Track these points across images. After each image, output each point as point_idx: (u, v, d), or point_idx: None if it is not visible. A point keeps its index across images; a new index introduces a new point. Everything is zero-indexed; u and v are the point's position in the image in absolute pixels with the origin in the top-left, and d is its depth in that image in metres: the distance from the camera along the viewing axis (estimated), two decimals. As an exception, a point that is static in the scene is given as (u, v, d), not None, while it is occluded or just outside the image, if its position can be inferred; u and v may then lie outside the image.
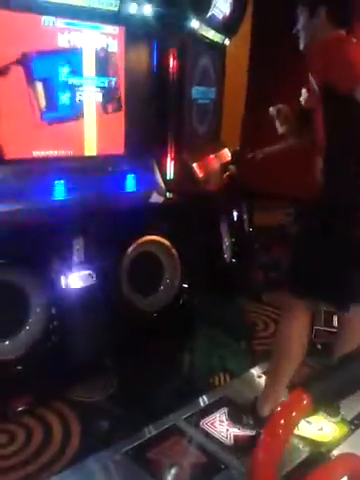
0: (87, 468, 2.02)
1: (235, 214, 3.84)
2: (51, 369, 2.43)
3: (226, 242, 3.50)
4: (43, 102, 2.52)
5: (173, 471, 1.99)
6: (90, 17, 2.59)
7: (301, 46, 2.04)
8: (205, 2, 3.21)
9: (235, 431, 2.24)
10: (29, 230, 2.33)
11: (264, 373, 2.60)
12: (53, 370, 2.43)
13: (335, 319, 3.06)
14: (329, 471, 1.29)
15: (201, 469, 2.01)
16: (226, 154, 4.04)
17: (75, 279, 2.58)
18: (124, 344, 2.66)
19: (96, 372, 2.64)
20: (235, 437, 2.20)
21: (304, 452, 2.11)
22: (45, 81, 2.50)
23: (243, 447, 2.14)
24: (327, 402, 1.55)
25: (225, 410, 2.36)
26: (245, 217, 4.09)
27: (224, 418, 2.32)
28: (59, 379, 2.47)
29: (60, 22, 2.50)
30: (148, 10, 2.75)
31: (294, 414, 1.13)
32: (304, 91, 2.29)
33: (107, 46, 2.72)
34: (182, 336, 2.88)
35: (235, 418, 2.30)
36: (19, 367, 2.38)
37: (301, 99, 2.35)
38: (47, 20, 2.45)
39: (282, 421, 1.12)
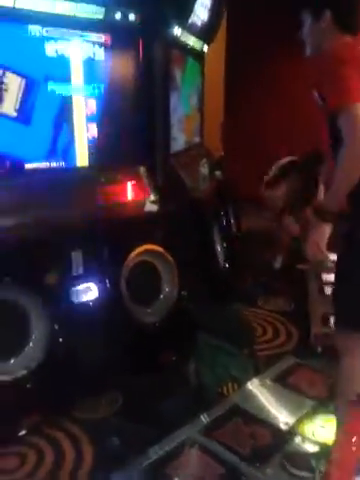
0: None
1: (224, 219, 3.82)
2: (56, 386, 2.35)
3: (219, 248, 3.48)
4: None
5: (194, 486, 1.94)
6: (76, 26, 2.54)
7: (307, 52, 1.97)
8: (186, 9, 3.21)
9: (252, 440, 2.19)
10: (26, 245, 2.27)
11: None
12: (58, 387, 2.35)
13: (332, 320, 3.06)
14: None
15: (222, 481, 1.96)
16: None
17: (75, 293, 2.52)
18: (128, 357, 2.60)
19: (101, 387, 2.56)
20: (252, 446, 2.16)
21: (325, 457, 2.07)
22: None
23: (261, 456, 2.10)
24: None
25: (239, 419, 2.32)
26: (233, 222, 4.08)
27: (238, 427, 2.28)
28: (65, 396, 2.40)
29: (46, 31, 2.44)
30: (133, 18, 2.73)
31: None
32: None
33: (94, 54, 2.67)
34: (184, 345, 2.82)
35: (301, 465, 2.03)
36: (24, 386, 2.29)
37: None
38: (33, 30, 2.39)
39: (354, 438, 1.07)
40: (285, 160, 3.32)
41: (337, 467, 1.25)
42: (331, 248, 2.02)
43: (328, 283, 3.59)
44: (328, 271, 3.52)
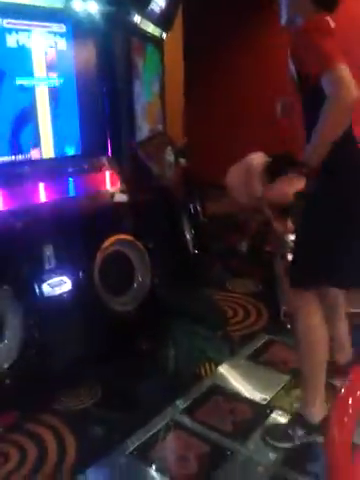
0: (95, 475, 1.98)
1: (191, 206, 3.86)
2: (34, 381, 2.35)
3: (187, 234, 3.53)
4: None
5: (181, 464, 2.00)
6: (36, 16, 2.51)
7: (282, 21, 2.02)
8: (145, -4, 3.20)
9: (232, 417, 2.28)
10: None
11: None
12: (36, 382, 2.35)
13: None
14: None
15: (208, 458, 2.03)
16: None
17: (49, 286, 2.50)
18: (104, 346, 2.62)
19: (79, 379, 2.58)
20: (233, 422, 2.24)
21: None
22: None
23: (243, 431, 2.18)
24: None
25: (218, 398, 2.40)
26: (199, 208, 4.13)
27: (218, 405, 2.36)
28: (43, 390, 2.40)
29: (7, 22, 2.39)
30: (93, 7, 2.71)
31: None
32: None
33: (55, 44, 2.64)
34: (160, 332, 2.87)
35: (280, 436, 2.11)
36: (2, 383, 2.28)
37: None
38: (-7, 20, 2.34)
39: (350, 399, 1.14)
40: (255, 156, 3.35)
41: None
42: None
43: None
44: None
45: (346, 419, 1.12)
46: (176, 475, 1.95)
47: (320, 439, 1.96)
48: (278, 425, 2.22)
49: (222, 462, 2.00)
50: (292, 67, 1.88)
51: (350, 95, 1.65)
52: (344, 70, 1.67)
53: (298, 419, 2.08)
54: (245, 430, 2.18)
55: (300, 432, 2.05)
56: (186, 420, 2.27)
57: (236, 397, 2.41)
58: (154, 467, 2.00)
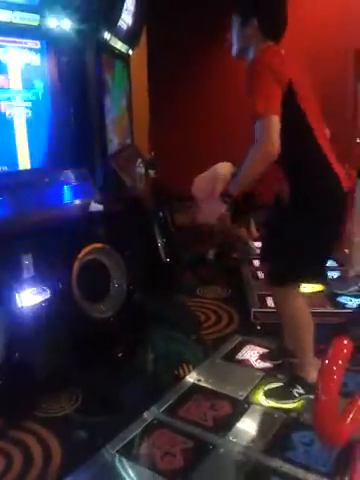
0: (82, 476, 2.02)
1: (161, 216, 3.98)
2: (16, 389, 2.39)
3: (159, 243, 3.63)
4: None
5: (167, 460, 2.07)
6: (13, 33, 2.58)
7: (233, 52, 2.20)
8: (115, 14, 3.32)
9: (213, 413, 2.38)
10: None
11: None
12: (18, 390, 2.40)
13: (269, 300, 3.36)
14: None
15: (192, 453, 2.11)
16: None
17: (28, 295, 2.54)
18: (84, 353, 2.67)
19: (59, 385, 2.62)
20: (214, 418, 2.34)
21: (279, 419, 2.31)
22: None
23: (223, 425, 2.28)
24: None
25: (199, 396, 2.50)
26: (168, 218, 4.25)
27: (198, 403, 2.45)
28: (25, 398, 2.44)
29: (-15, 38, 2.47)
30: (67, 24, 2.80)
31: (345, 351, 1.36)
32: None
33: (31, 60, 2.72)
34: (137, 337, 2.95)
35: (281, 396, 2.42)
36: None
37: None
38: (-30, 36, 2.41)
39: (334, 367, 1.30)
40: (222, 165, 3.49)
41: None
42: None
43: (259, 268, 3.91)
44: (257, 257, 3.86)
45: (331, 384, 1.28)
46: (163, 470, 2.02)
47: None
48: (278, 387, 2.47)
49: (205, 456, 2.09)
50: None
51: (272, 148, 1.92)
52: (274, 122, 1.91)
53: (297, 380, 2.39)
54: (226, 423, 2.29)
55: (300, 390, 2.36)
56: (168, 418, 2.34)
57: (215, 394, 2.51)
58: (141, 464, 2.06)
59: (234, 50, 2.20)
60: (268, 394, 2.46)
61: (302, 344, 2.42)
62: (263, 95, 1.93)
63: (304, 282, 2.64)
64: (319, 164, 2.12)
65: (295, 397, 2.37)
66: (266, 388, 2.52)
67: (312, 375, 2.25)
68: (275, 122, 1.91)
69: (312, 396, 2.07)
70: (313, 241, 2.16)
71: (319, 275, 2.51)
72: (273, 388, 2.50)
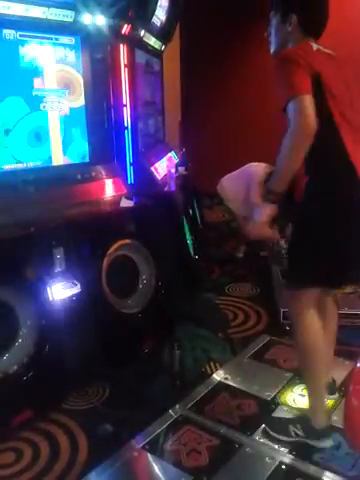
0: (109, 468, 2.05)
1: (190, 213, 3.98)
2: (46, 381, 2.42)
3: (188, 240, 3.63)
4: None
5: (192, 457, 2.08)
6: (48, 29, 2.62)
7: (271, 50, 2.13)
8: (149, 11, 3.33)
9: (239, 411, 2.37)
10: (8, 245, 2.32)
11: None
12: (48, 381, 2.43)
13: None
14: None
15: (217, 451, 2.11)
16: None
17: (60, 288, 2.58)
18: (111, 347, 2.70)
19: (87, 379, 2.65)
20: (240, 417, 2.33)
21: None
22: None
23: (250, 424, 2.27)
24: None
25: (225, 394, 2.49)
26: (198, 215, 4.26)
27: (225, 401, 2.44)
28: (54, 390, 2.47)
29: (20, 35, 2.50)
30: (101, 20, 2.82)
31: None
32: None
33: (65, 57, 2.75)
34: (164, 333, 2.96)
35: (279, 430, 2.18)
36: (16, 381, 2.35)
37: None
38: (8, 33, 2.45)
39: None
40: (256, 165, 3.45)
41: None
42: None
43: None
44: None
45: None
46: (188, 467, 2.02)
47: (315, 444, 2.07)
48: (281, 419, 2.30)
49: (231, 455, 2.08)
50: None
51: (308, 125, 1.75)
52: (306, 100, 1.77)
53: (303, 419, 2.15)
54: (252, 423, 2.27)
55: (299, 432, 2.12)
56: (194, 415, 2.35)
57: (242, 393, 2.50)
58: (166, 460, 2.07)
59: (272, 48, 2.13)
60: (269, 423, 2.24)
61: (311, 376, 2.08)
62: (292, 80, 1.82)
63: (331, 288, 2.26)
64: (337, 161, 1.94)
65: (291, 436, 2.14)
66: (270, 418, 2.32)
67: (320, 421, 2.06)
68: (308, 99, 1.77)
69: (309, 441, 2.08)
70: (327, 241, 1.94)
71: (353, 280, 2.26)
72: (277, 419, 2.30)
